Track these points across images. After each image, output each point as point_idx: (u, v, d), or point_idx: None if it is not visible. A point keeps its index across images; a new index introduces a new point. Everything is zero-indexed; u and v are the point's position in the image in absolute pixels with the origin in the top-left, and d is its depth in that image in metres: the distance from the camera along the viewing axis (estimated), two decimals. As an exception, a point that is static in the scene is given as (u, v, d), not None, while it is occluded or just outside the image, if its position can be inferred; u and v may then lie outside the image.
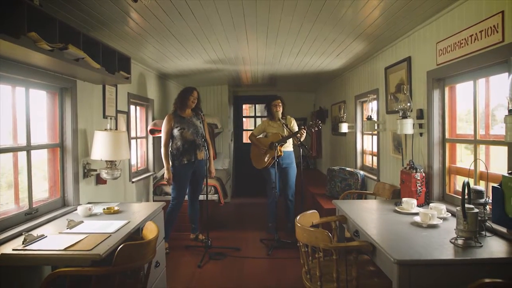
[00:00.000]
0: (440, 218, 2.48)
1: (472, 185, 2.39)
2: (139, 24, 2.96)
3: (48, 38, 2.12)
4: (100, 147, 3.11)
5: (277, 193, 4.69)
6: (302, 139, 4.54)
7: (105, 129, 3.22)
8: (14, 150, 2.52)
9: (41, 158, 2.88)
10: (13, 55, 2.14)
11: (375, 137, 4.49)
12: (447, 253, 1.92)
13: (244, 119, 8.87)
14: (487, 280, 1.64)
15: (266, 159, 4.78)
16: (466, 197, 2.01)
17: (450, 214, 2.58)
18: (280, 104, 4.83)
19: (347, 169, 4.82)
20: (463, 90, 2.83)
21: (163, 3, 2.51)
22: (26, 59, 2.26)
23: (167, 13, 2.73)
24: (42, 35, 2.05)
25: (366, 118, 4.18)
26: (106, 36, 3.19)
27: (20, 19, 1.89)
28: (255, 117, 8.76)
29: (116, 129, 3.86)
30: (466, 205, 2.00)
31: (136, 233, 2.54)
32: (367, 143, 5.02)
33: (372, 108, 4.42)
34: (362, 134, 5.10)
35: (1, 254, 1.99)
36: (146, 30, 3.14)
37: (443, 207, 2.60)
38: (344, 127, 5.24)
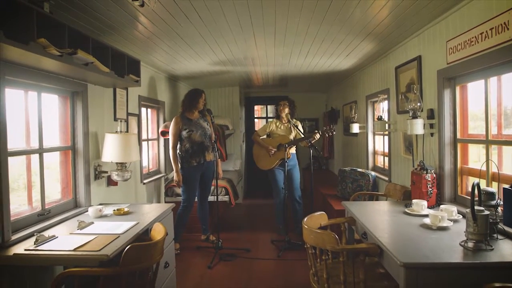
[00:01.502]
0: (451, 220, 2.43)
1: (484, 186, 2.33)
2: (147, 27, 3.00)
3: (57, 44, 2.17)
4: (111, 149, 3.17)
5: (286, 193, 4.66)
6: (313, 141, 4.51)
7: (116, 132, 3.28)
8: (27, 153, 2.59)
9: (53, 161, 2.95)
10: (24, 61, 2.20)
11: (386, 138, 4.43)
12: (456, 256, 1.88)
13: (255, 120, 8.89)
14: (497, 285, 1.60)
15: (273, 160, 4.75)
16: (476, 198, 1.97)
17: (461, 216, 2.52)
18: (287, 104, 4.80)
19: (358, 170, 4.77)
20: (475, 88, 2.76)
21: (170, 6, 2.54)
22: (37, 65, 2.32)
23: (174, 16, 2.76)
24: (52, 41, 2.10)
25: (377, 118, 4.13)
26: (115, 40, 3.25)
27: (30, 26, 1.94)
28: (266, 118, 8.76)
29: (127, 131, 3.92)
30: (476, 207, 1.95)
31: (145, 234, 2.57)
32: (378, 143, 4.96)
33: (383, 108, 4.37)
34: (374, 134, 5.04)
35: (14, 254, 2.04)
36: (155, 34, 3.18)
37: (454, 208, 2.54)
38: (356, 128, 5.18)
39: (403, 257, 1.83)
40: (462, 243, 2.00)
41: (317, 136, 4.47)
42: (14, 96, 2.49)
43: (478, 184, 1.96)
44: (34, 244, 2.14)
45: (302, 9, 2.67)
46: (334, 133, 4.58)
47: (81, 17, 2.63)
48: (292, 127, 4.75)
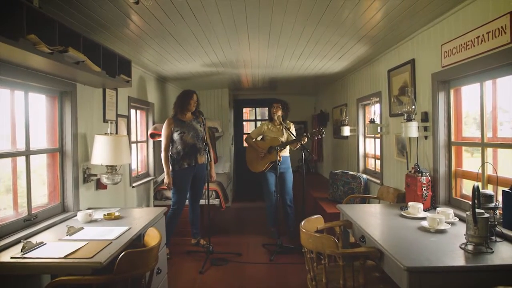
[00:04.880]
0: (448, 222, 2.43)
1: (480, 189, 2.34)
2: (139, 26, 2.92)
3: (47, 41, 2.08)
4: (101, 152, 3.06)
5: (278, 196, 4.62)
6: (302, 143, 4.48)
7: (105, 133, 3.17)
8: (13, 155, 2.47)
9: (40, 163, 2.83)
10: (12, 58, 2.09)
11: (378, 140, 4.45)
12: (458, 259, 1.87)
13: (244, 122, 8.84)
14: (500, 287, 1.60)
15: (264, 163, 4.71)
16: (475, 201, 1.96)
17: (457, 219, 2.53)
18: (280, 107, 4.76)
19: (350, 172, 4.77)
20: (470, 92, 2.79)
21: (164, 4, 2.48)
22: (25, 62, 2.21)
23: (168, 15, 2.69)
24: (42, 38, 2.00)
25: (369, 121, 4.14)
26: (106, 39, 3.15)
27: (19, 21, 1.85)
28: (255, 120, 8.73)
29: (117, 133, 3.81)
30: (476, 210, 1.95)
31: (138, 240, 2.49)
32: (369, 146, 4.98)
33: (374, 111, 4.39)
34: (365, 137, 5.06)
35: (-1, 262, 1.93)
36: (147, 33, 3.10)
37: (450, 211, 2.55)
38: (346, 131, 5.20)
39: (406, 261, 1.81)
40: (463, 246, 2.00)
41: (305, 139, 4.44)
42: (0, 96, 2.37)
43: (478, 187, 1.96)
44: (21, 251, 2.03)
45: (299, 9, 2.64)
46: (324, 135, 4.56)
47: (71, 14, 2.53)
48: (284, 130, 4.72)
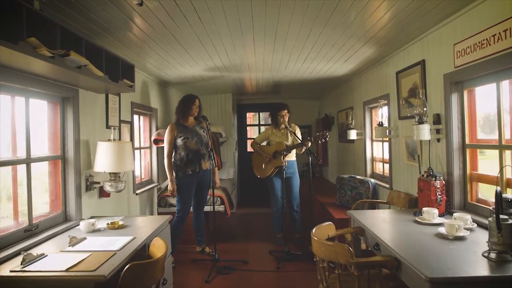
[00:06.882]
0: (466, 229, 2.33)
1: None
2: (143, 30, 2.85)
3: (48, 44, 2.00)
4: (103, 159, 2.98)
5: (284, 202, 4.52)
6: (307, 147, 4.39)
7: (108, 140, 3.09)
8: (13, 163, 2.39)
9: (41, 171, 2.75)
10: (12, 63, 2.02)
11: (385, 144, 4.35)
12: (482, 268, 1.77)
13: (248, 127, 8.76)
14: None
15: (269, 168, 4.63)
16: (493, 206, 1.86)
17: (476, 225, 2.43)
18: (287, 114, 4.69)
19: (358, 177, 4.67)
20: (485, 92, 2.69)
21: (169, 6, 2.40)
22: (26, 67, 2.14)
23: (172, 17, 2.62)
24: (43, 41, 1.93)
25: (377, 125, 4.04)
26: (109, 43, 3.09)
27: (19, 24, 1.78)
28: (259, 125, 8.65)
29: (120, 139, 3.73)
30: (500, 216, 1.84)
31: (143, 250, 2.39)
32: (377, 150, 4.87)
33: (382, 114, 4.29)
34: (372, 141, 4.96)
35: (-2, 276, 1.84)
36: (150, 36, 3.03)
37: (468, 217, 2.44)
38: (353, 134, 5.10)
39: (427, 271, 1.71)
40: (485, 254, 1.90)
41: (309, 144, 4.35)
42: (0, 102, 2.30)
43: (500, 192, 1.86)
44: (21, 264, 1.94)
45: (307, 9, 2.56)
46: (327, 139, 4.47)
47: (73, 17, 2.46)
48: (288, 134, 4.63)
